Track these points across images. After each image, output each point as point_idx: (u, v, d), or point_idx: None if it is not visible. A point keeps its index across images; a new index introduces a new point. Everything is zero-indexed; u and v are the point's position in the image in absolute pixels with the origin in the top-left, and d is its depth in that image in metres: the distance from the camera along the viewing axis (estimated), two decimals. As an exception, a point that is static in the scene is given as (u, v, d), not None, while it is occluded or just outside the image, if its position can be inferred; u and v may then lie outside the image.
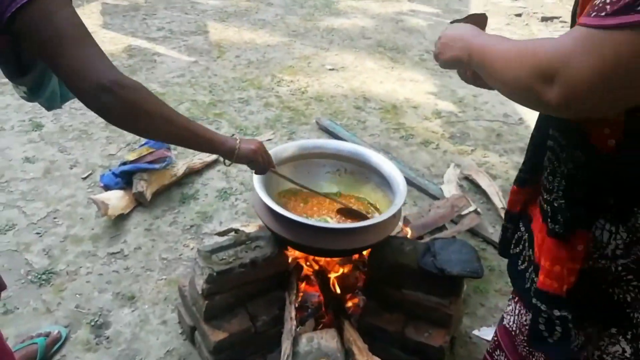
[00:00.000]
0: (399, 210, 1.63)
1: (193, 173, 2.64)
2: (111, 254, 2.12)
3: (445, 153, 3.07)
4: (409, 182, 2.74)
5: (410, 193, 2.67)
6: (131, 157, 2.42)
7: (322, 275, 1.81)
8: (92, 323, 1.81)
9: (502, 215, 2.51)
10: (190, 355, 1.73)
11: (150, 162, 2.41)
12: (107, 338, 1.77)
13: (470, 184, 2.77)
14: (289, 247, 1.69)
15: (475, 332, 1.90)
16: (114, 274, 2.03)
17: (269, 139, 3.04)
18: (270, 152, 1.75)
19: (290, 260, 1.75)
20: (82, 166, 2.66)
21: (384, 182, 1.77)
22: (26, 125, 2.97)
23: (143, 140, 2.62)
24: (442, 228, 2.13)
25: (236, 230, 2.03)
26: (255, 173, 1.44)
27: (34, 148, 2.77)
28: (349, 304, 1.82)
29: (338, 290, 1.80)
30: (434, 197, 2.62)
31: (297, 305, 1.83)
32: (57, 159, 2.70)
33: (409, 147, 3.11)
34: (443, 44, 0.91)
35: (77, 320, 1.82)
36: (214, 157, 2.75)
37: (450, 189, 2.60)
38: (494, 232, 2.41)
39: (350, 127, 3.26)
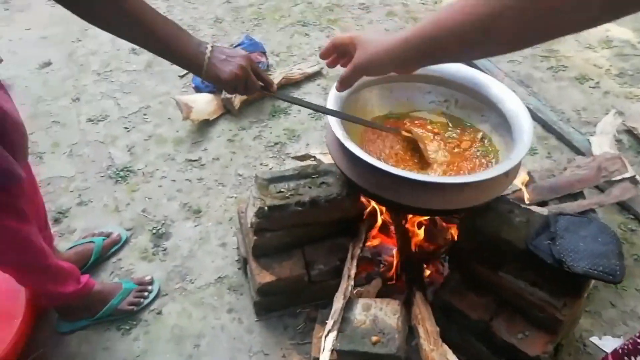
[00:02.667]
0: (516, 167, 1.19)
1: (290, 84, 2.36)
2: (189, 161, 2.00)
3: (606, 95, 2.36)
4: (547, 128, 2.15)
5: (547, 142, 2.10)
6: (223, 58, 2.20)
7: (403, 229, 1.47)
8: (154, 231, 1.73)
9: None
10: (241, 287, 1.57)
11: (242, 67, 2.17)
12: (165, 250, 1.68)
13: (634, 141, 2.09)
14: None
15: (594, 339, 1.44)
16: (186, 183, 1.91)
17: (383, 54, 2.60)
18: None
19: (363, 205, 1.44)
20: (181, 63, 2.53)
21: (504, 124, 1.30)
22: (140, 15, 2.90)
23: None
24: (577, 195, 1.61)
25: (314, 157, 1.75)
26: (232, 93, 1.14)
27: (142, 39, 2.70)
28: (429, 270, 1.47)
29: (420, 250, 1.46)
30: (578, 152, 2.03)
31: (368, 256, 1.55)
32: (160, 53, 2.60)
33: (558, 81, 2.45)
34: None
35: (140, 225, 1.75)
36: (315, 68, 2.43)
37: (602, 143, 1.98)
38: (653, 210, 1.80)
39: (487, 49, 2.66)
